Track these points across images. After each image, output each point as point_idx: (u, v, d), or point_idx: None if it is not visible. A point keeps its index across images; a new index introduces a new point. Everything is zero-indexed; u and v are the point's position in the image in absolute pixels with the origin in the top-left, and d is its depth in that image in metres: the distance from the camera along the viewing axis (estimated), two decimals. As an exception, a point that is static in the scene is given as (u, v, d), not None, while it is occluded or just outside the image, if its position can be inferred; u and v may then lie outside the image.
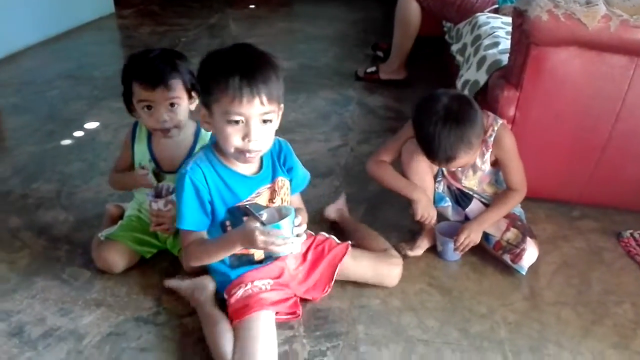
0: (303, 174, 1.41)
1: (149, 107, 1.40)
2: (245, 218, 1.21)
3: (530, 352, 1.29)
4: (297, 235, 1.18)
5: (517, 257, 1.51)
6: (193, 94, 1.46)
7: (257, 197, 1.29)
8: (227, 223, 1.29)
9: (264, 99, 1.12)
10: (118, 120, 2.44)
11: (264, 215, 1.19)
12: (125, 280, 1.48)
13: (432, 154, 1.38)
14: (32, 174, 2.00)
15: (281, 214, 1.20)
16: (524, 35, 1.63)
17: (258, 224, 1.15)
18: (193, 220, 1.25)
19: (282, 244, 1.13)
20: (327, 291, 1.41)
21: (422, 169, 1.54)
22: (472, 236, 1.52)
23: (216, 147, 1.25)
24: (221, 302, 1.35)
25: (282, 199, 1.34)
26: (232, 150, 1.17)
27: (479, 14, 2.56)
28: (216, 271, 1.38)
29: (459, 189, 1.64)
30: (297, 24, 4.24)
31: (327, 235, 1.49)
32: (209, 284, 1.39)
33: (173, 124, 1.43)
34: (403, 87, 2.95)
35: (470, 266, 1.57)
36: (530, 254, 1.50)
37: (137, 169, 1.50)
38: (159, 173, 1.52)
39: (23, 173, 2.01)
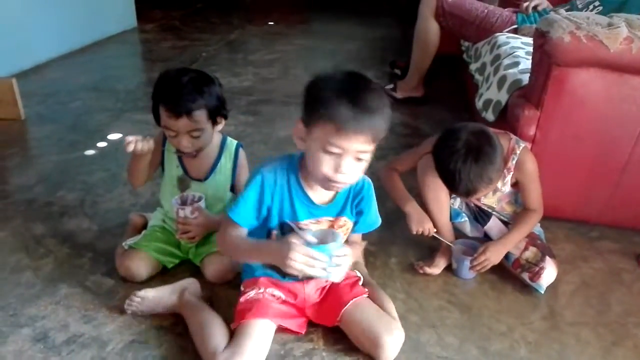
0: (373, 220, 1.36)
1: (170, 134, 1.45)
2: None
3: (550, 371, 1.29)
4: (337, 265, 1.12)
5: (535, 275, 1.51)
6: (218, 119, 1.49)
7: (315, 224, 1.26)
8: (274, 232, 1.28)
9: (369, 138, 1.07)
10: (140, 132, 2.41)
11: (308, 234, 1.15)
12: (149, 287, 1.50)
13: (453, 188, 1.42)
14: (56, 183, 2.05)
15: (327, 238, 1.16)
16: (546, 56, 1.65)
17: (300, 242, 1.11)
18: (245, 215, 1.22)
19: (317, 266, 1.10)
20: (336, 322, 1.34)
21: (437, 185, 1.55)
22: (492, 258, 1.52)
23: (302, 162, 1.22)
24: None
25: None
26: (319, 175, 1.12)
27: (498, 33, 2.58)
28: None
29: (477, 206, 1.65)
30: (315, 41, 4.30)
31: (359, 274, 1.44)
32: (190, 285, 1.43)
33: (194, 149, 1.47)
34: (420, 104, 2.98)
35: (489, 284, 1.58)
36: (549, 273, 1.50)
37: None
38: (184, 180, 1.56)
39: (47, 181, 2.06)
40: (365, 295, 1.36)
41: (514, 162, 1.49)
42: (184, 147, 1.44)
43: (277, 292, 1.34)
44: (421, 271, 1.58)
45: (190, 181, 1.57)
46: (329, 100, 1.05)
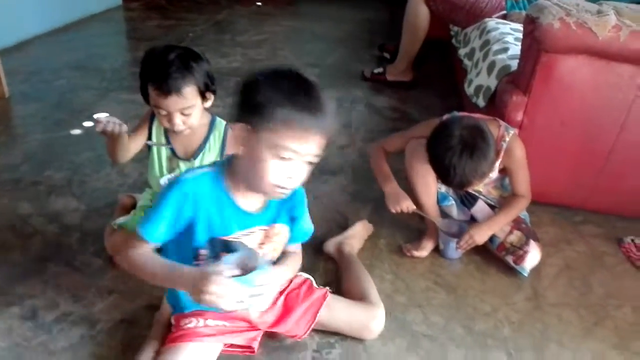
0: (306, 229, 1.25)
1: (159, 112, 1.41)
2: (223, 254, 1.05)
3: (533, 350, 1.32)
4: (258, 295, 0.99)
5: (519, 259, 1.55)
6: (207, 94, 1.44)
7: (248, 235, 1.14)
8: (203, 252, 1.12)
9: (324, 140, 1.01)
10: (126, 112, 2.45)
11: (226, 265, 0.99)
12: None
13: (447, 182, 1.45)
14: (43, 162, 2.02)
15: (247, 262, 1.02)
16: (535, 42, 1.66)
17: (221, 270, 0.97)
18: (156, 232, 1.07)
19: (232, 299, 0.96)
20: (307, 334, 1.28)
21: (425, 170, 1.56)
22: (476, 238, 1.55)
23: (229, 169, 1.10)
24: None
25: (274, 247, 1.20)
26: (266, 182, 1.02)
27: (487, 19, 2.59)
28: (175, 296, 1.24)
29: (464, 190, 1.68)
30: (303, 23, 4.27)
31: (305, 276, 1.36)
32: (164, 310, 1.32)
33: (185, 127, 1.43)
34: (409, 88, 2.99)
35: (474, 266, 1.61)
36: (533, 256, 1.54)
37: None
38: (171, 160, 1.54)
39: (33, 160, 2.03)
40: (329, 291, 1.33)
41: (503, 148, 1.51)
42: (176, 125, 1.41)
43: (217, 323, 1.22)
44: (409, 254, 1.61)
45: (178, 161, 1.55)
46: (283, 102, 0.96)
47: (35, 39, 3.38)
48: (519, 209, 1.58)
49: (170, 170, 1.54)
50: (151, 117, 1.53)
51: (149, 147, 1.56)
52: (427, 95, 2.93)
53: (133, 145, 1.52)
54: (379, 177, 1.64)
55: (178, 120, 1.40)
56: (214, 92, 1.48)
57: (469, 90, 2.22)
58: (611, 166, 1.79)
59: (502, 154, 1.53)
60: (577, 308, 1.47)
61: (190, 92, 1.38)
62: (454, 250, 1.58)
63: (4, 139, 2.20)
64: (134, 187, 1.88)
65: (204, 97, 1.45)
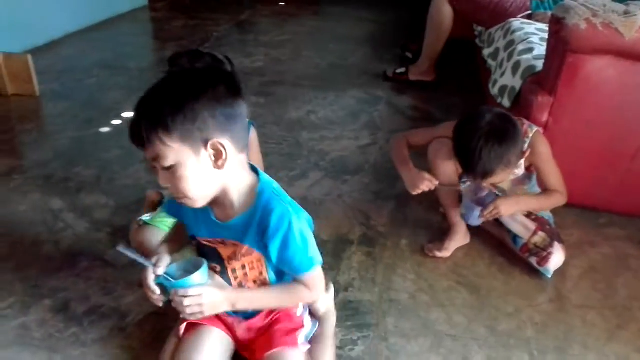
0: (297, 262, 1.06)
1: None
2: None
3: (556, 352, 1.32)
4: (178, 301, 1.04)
5: (543, 260, 1.54)
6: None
7: (220, 246, 1.10)
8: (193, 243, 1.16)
9: (156, 151, 0.96)
10: (154, 111, 2.51)
11: (171, 266, 1.09)
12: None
13: (470, 168, 1.42)
14: (73, 159, 2.08)
15: (192, 270, 1.06)
16: (561, 43, 1.65)
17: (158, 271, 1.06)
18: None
19: (153, 298, 1.08)
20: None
21: (448, 169, 1.57)
22: (502, 208, 1.49)
23: None
24: None
25: (245, 271, 1.11)
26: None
27: (512, 19, 2.58)
28: None
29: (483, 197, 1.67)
30: (326, 23, 4.29)
31: (307, 322, 1.22)
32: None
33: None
34: (432, 89, 2.98)
35: (497, 267, 1.61)
36: (557, 258, 1.53)
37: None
38: None
39: (64, 157, 2.09)
40: (298, 349, 1.14)
41: (526, 145, 1.51)
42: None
43: None
44: (431, 254, 1.61)
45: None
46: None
47: (65, 38, 3.46)
48: (552, 202, 1.57)
49: None
50: None
51: None
52: (450, 96, 2.92)
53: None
54: (397, 162, 1.62)
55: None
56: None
57: (494, 90, 2.21)
58: (636, 168, 1.77)
59: (526, 151, 1.52)
60: (601, 310, 1.46)
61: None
62: (476, 218, 1.55)
63: (35, 136, 2.26)
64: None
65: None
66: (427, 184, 1.53)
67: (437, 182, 1.54)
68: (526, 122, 1.55)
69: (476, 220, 1.57)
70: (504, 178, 1.50)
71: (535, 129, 1.53)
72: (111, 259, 1.54)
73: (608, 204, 1.87)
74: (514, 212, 1.54)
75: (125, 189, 1.90)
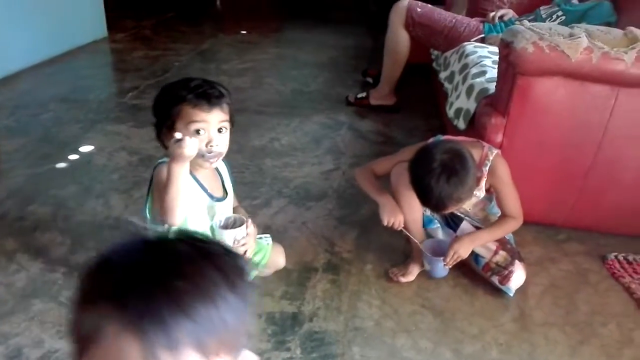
0: None
1: (198, 131, 1.31)
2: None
3: (521, 372, 1.33)
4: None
5: (505, 279, 1.56)
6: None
7: None
8: None
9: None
10: (112, 144, 2.47)
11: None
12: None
13: (424, 203, 1.48)
14: (28, 197, 2.02)
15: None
16: (511, 66, 1.70)
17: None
18: None
19: None
20: None
21: (411, 193, 1.58)
22: (460, 252, 1.54)
23: None
24: None
25: None
26: None
27: (465, 43, 2.65)
28: None
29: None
30: (288, 50, 4.33)
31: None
32: None
33: (219, 151, 1.35)
34: (392, 112, 3.03)
35: (461, 288, 1.62)
36: (518, 276, 1.55)
37: (172, 142, 1.26)
38: (211, 207, 1.45)
39: (18, 195, 2.03)
40: None
41: (487, 168, 1.53)
42: (214, 145, 1.32)
43: None
44: (395, 279, 1.61)
45: (215, 204, 1.45)
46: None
47: (21, 73, 3.38)
48: (506, 229, 1.60)
49: (211, 218, 1.44)
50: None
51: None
52: (410, 119, 2.97)
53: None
54: (372, 191, 1.63)
55: (216, 138, 1.33)
56: (233, 124, 1.42)
57: (450, 112, 2.26)
58: (590, 184, 1.82)
59: (486, 173, 1.55)
60: (563, 327, 1.48)
61: (226, 107, 1.35)
62: (442, 269, 1.58)
63: (-12, 174, 2.19)
64: (119, 219, 1.89)
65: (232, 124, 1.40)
66: (399, 221, 1.58)
67: (402, 226, 1.59)
68: (486, 145, 1.58)
69: (442, 270, 1.60)
70: (459, 208, 1.53)
71: (495, 151, 1.56)
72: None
73: (565, 220, 1.91)
74: (470, 250, 1.56)
75: (81, 225, 1.85)
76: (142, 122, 2.72)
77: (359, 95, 3.10)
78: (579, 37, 1.63)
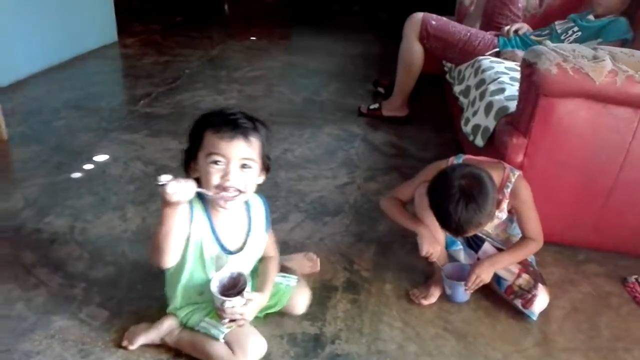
0: None
1: (216, 163, 1.24)
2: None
3: (546, 399, 1.32)
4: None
5: (528, 302, 1.55)
6: (265, 166, 1.33)
7: None
8: None
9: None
10: (127, 153, 2.47)
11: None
12: (145, 319, 1.47)
13: (445, 228, 1.47)
14: (44, 208, 2.01)
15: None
16: (533, 86, 1.70)
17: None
18: None
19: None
20: None
21: (434, 220, 1.58)
22: (483, 276, 1.54)
23: None
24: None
25: None
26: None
27: (480, 57, 2.65)
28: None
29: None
30: (298, 58, 4.33)
31: None
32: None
33: (240, 188, 1.25)
34: (405, 124, 3.02)
35: (483, 311, 1.61)
36: (542, 300, 1.54)
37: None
38: (220, 257, 1.35)
39: (35, 206, 2.02)
40: None
41: (509, 190, 1.53)
42: (231, 180, 1.23)
43: None
44: (417, 301, 1.60)
45: (226, 256, 1.35)
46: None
47: (31, 78, 3.38)
48: (527, 252, 1.59)
49: (217, 269, 1.35)
50: (190, 203, 1.27)
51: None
52: (422, 131, 2.96)
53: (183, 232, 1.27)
54: (405, 221, 1.63)
55: (235, 173, 1.23)
56: (268, 169, 1.36)
57: (466, 128, 2.25)
58: (611, 205, 1.81)
59: (507, 195, 1.54)
60: (586, 352, 1.47)
61: (255, 143, 1.26)
62: (463, 293, 1.59)
63: (4, 183, 2.18)
64: (137, 232, 1.88)
65: (262, 164, 1.31)
66: (437, 255, 1.59)
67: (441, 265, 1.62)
68: (507, 167, 1.57)
69: (464, 295, 1.60)
70: (480, 231, 1.53)
71: (517, 173, 1.55)
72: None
73: (585, 240, 1.91)
74: (491, 274, 1.56)
75: (99, 239, 1.84)
76: (156, 131, 2.72)
77: (372, 107, 3.10)
78: (603, 59, 1.63)
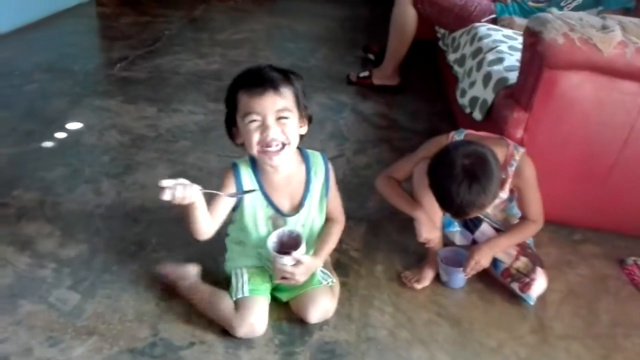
0: None
1: (254, 121, 1.22)
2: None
3: (543, 390, 1.26)
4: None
5: (525, 286, 1.48)
6: (304, 115, 1.31)
7: None
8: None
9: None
10: (102, 121, 2.32)
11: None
12: (119, 305, 1.39)
13: (446, 209, 1.38)
14: (12, 180, 1.88)
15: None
16: (537, 57, 1.59)
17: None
18: None
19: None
20: None
21: (431, 194, 1.48)
22: (482, 261, 1.48)
23: None
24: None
25: None
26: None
27: (477, 23, 2.52)
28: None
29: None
30: (284, 20, 4.13)
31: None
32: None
33: (282, 140, 1.23)
34: (396, 93, 2.90)
35: (477, 294, 1.54)
36: (540, 284, 1.48)
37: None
38: (276, 219, 1.36)
39: (2, 178, 1.88)
40: None
41: (513, 168, 1.44)
42: (271, 135, 1.21)
43: None
44: (409, 285, 1.53)
45: (285, 218, 1.36)
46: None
47: (2, 38, 3.18)
48: (526, 234, 1.52)
49: (275, 228, 1.36)
50: (235, 171, 1.34)
51: (234, 208, 1.36)
52: (413, 101, 2.85)
53: (221, 209, 1.31)
54: (402, 204, 1.52)
55: (274, 127, 1.21)
56: (309, 119, 1.35)
57: (463, 100, 2.14)
58: (612, 183, 1.74)
59: (511, 174, 1.45)
60: (584, 340, 1.42)
61: (288, 93, 1.23)
62: (461, 279, 1.52)
63: (-33, 153, 2.04)
64: (112, 207, 1.77)
65: (301, 114, 1.29)
66: (436, 241, 1.52)
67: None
68: (511, 144, 1.48)
69: (461, 281, 1.54)
70: (479, 214, 1.44)
71: (522, 150, 1.46)
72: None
73: (582, 220, 1.84)
74: (491, 258, 1.49)
75: (71, 214, 1.72)
76: (133, 97, 2.57)
77: (361, 75, 2.96)
78: (613, 30, 1.52)
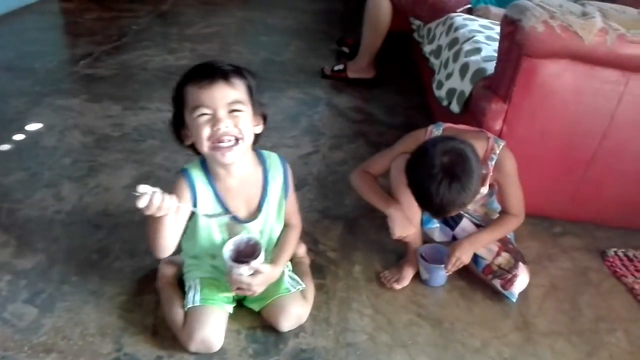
0: None
1: (203, 115, 1.13)
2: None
3: (530, 391, 1.21)
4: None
5: (508, 283, 1.43)
6: (257, 111, 1.21)
7: None
8: None
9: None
10: (64, 121, 2.21)
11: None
12: (79, 318, 1.30)
13: (425, 208, 1.33)
14: (-35, 186, 1.76)
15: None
16: (516, 46, 1.54)
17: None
18: None
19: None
20: None
21: (410, 198, 1.42)
22: (463, 258, 1.42)
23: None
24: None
25: None
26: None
27: (452, 14, 2.47)
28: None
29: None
30: (256, 13, 4.03)
31: None
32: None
33: (235, 135, 1.14)
34: (371, 86, 2.83)
35: (458, 292, 1.48)
36: (522, 280, 1.43)
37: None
38: (232, 226, 1.27)
39: (-47, 184, 1.77)
40: None
41: (493, 162, 1.38)
42: (222, 129, 1.11)
43: None
44: (389, 285, 1.47)
45: (241, 225, 1.27)
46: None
47: (-44, 36, 3.02)
48: (507, 229, 1.47)
49: (232, 236, 1.26)
50: (187, 178, 1.22)
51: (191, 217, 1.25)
52: (389, 94, 2.79)
53: (182, 223, 1.21)
54: (376, 200, 1.45)
55: (226, 121, 1.12)
56: (264, 118, 1.26)
57: (439, 92, 2.09)
58: (591, 174, 1.70)
59: (491, 169, 1.40)
60: (569, 336, 1.37)
61: (240, 85, 1.15)
62: (442, 277, 1.47)
63: None
64: (73, 213, 1.66)
65: (255, 110, 1.19)
66: (411, 238, 1.46)
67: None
68: (491, 137, 1.42)
69: (442, 279, 1.48)
70: (458, 212, 1.40)
71: (502, 143, 1.40)
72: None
73: (562, 212, 1.80)
74: (471, 254, 1.44)
75: (28, 221, 1.61)
76: (97, 95, 2.45)
77: (336, 68, 2.89)
78: (593, 17, 1.48)
